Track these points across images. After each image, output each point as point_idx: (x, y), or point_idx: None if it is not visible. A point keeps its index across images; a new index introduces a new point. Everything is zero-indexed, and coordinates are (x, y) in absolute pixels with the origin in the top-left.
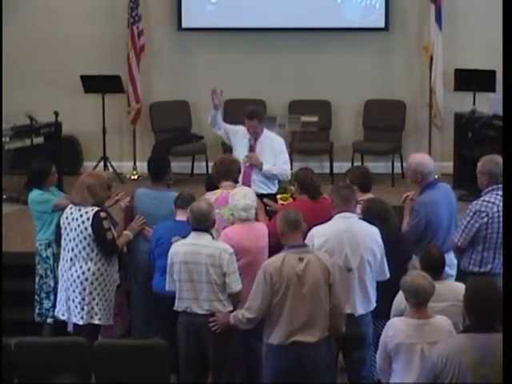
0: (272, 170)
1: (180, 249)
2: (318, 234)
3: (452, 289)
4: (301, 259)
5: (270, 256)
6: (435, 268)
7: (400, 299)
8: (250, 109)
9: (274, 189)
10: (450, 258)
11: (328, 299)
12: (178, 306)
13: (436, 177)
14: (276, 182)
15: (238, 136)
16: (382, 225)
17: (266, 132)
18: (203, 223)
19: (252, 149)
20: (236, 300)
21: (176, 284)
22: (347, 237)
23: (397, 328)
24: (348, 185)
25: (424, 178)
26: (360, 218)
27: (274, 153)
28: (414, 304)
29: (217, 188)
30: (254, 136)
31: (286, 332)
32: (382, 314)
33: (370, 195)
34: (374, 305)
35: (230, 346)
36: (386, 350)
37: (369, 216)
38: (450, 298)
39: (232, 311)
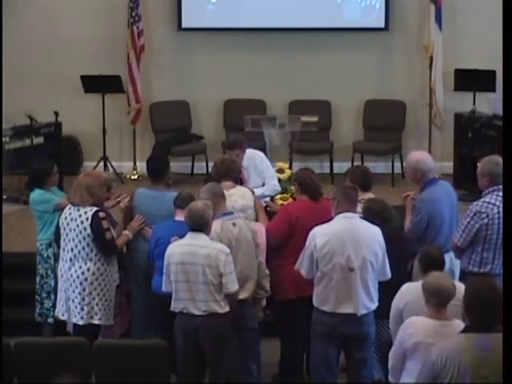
0: (264, 193)
1: (176, 250)
2: (320, 234)
3: None
4: (234, 224)
5: (268, 257)
6: (434, 268)
7: (399, 299)
8: (231, 140)
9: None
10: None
11: (256, 259)
12: (175, 306)
13: (436, 176)
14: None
15: None
16: (383, 224)
17: (246, 152)
18: (198, 223)
19: (242, 180)
20: (232, 300)
21: (173, 285)
22: (349, 237)
23: (417, 327)
24: (352, 185)
25: (424, 175)
26: (360, 218)
27: (260, 171)
28: (435, 305)
29: None
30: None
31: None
32: (382, 314)
33: (370, 194)
34: (376, 304)
35: (228, 346)
36: (403, 348)
37: (369, 216)
38: None
39: (229, 312)
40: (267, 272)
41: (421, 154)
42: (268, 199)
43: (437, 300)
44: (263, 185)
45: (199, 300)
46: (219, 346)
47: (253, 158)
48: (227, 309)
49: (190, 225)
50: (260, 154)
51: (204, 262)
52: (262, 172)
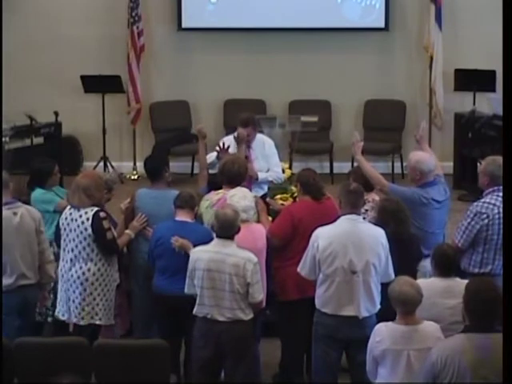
0: (267, 177)
1: (203, 255)
2: (322, 236)
3: (462, 286)
4: (15, 213)
5: (267, 258)
6: (448, 265)
7: None
8: (245, 116)
9: (265, 188)
10: None
11: (38, 246)
12: (198, 311)
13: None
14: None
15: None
16: (397, 224)
17: (257, 136)
18: (229, 231)
19: (247, 158)
20: (257, 307)
21: (197, 290)
22: (352, 239)
23: (384, 334)
24: (357, 187)
25: (423, 175)
26: (369, 218)
27: (267, 156)
28: (401, 312)
29: (220, 188)
30: (247, 143)
31: (13, 276)
32: (387, 316)
33: (373, 195)
34: (378, 307)
35: (249, 352)
36: (373, 354)
37: (384, 215)
38: (460, 295)
39: (253, 318)
40: (51, 258)
41: (422, 154)
42: (268, 198)
43: (402, 309)
44: (268, 171)
45: (224, 307)
46: (241, 352)
47: (262, 142)
48: (251, 315)
49: (218, 232)
50: (270, 141)
51: (231, 271)
52: (269, 158)
